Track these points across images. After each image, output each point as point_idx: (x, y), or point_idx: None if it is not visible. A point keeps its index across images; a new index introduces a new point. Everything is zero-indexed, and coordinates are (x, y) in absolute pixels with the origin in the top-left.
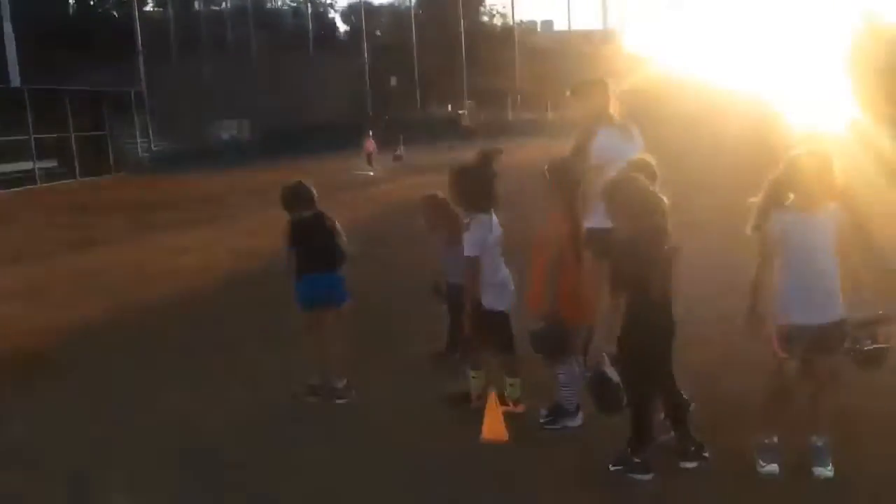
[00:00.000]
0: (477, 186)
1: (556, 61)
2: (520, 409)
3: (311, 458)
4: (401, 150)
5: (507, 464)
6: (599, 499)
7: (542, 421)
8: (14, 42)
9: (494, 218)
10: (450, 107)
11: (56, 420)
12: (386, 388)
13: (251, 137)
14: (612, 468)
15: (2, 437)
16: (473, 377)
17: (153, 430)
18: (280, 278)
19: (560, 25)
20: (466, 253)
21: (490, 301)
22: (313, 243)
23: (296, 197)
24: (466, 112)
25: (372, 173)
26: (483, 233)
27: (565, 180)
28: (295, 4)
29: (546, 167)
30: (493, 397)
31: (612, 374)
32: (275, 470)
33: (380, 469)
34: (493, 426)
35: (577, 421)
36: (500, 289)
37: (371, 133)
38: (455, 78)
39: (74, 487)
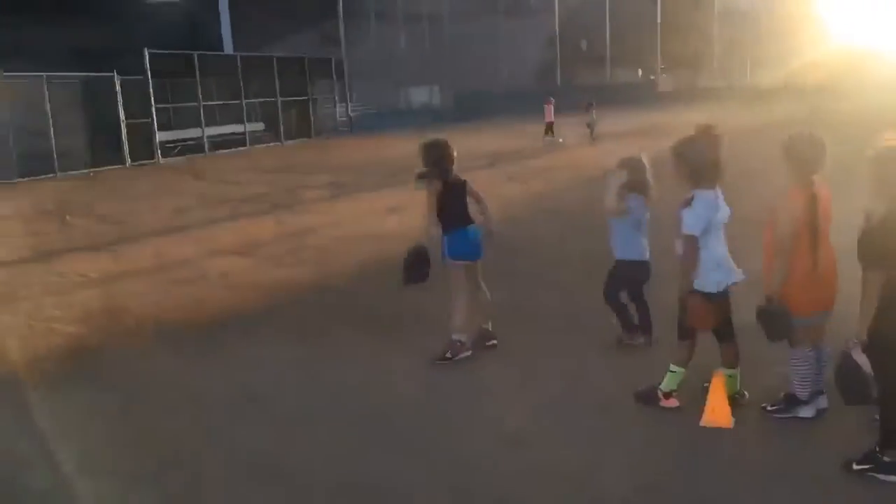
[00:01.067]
0: (702, 160)
1: (753, 24)
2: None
3: (532, 431)
4: (593, 117)
5: (729, 452)
6: (844, 499)
7: (770, 408)
8: (227, 11)
9: (721, 194)
10: (640, 72)
11: (279, 370)
12: (597, 368)
13: (442, 103)
14: (856, 467)
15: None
16: (672, 372)
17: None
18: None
19: None
20: (688, 231)
21: (708, 283)
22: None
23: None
24: (661, 76)
25: (561, 140)
26: (708, 211)
27: (806, 154)
28: None
29: (787, 137)
30: (718, 379)
31: (864, 362)
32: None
33: (594, 447)
34: (717, 410)
35: (810, 412)
36: (721, 270)
37: (552, 101)
38: (647, 41)
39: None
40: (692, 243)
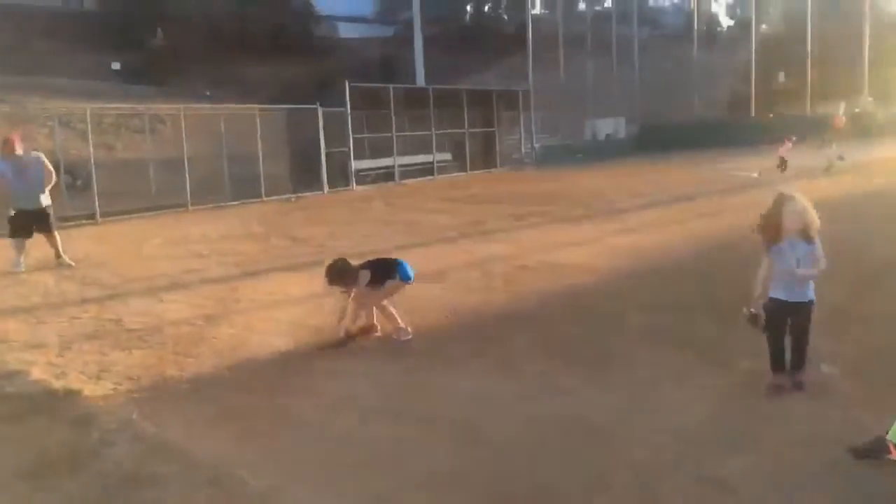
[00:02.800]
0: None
1: None
2: None
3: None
4: (786, 150)
5: None
6: None
7: None
8: (421, 46)
9: None
10: (843, 105)
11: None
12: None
13: (628, 134)
14: None
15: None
16: None
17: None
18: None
19: None
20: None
21: None
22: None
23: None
24: (842, 111)
25: (756, 175)
26: None
27: None
28: (678, 1)
29: None
30: None
31: None
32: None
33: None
34: None
35: None
36: None
37: (792, 138)
38: (854, 73)
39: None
40: None
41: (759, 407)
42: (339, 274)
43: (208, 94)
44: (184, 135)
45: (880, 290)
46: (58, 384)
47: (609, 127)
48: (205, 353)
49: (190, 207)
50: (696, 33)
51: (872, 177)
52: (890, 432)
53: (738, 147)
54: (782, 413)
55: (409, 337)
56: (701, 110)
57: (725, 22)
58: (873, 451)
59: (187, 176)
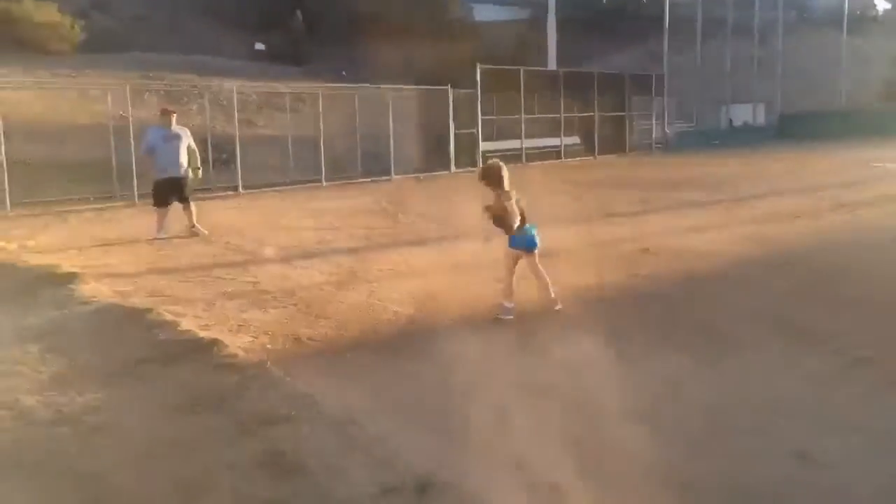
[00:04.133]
0: None
1: None
2: None
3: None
4: None
5: None
6: None
7: None
8: (555, 29)
9: None
10: None
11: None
12: None
13: (766, 122)
14: None
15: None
16: None
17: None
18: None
19: None
20: None
21: None
22: None
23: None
24: None
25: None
26: None
27: None
28: None
29: None
30: None
31: None
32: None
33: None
34: None
35: None
36: None
37: None
38: None
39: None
40: None
41: (866, 394)
42: (489, 172)
43: (344, 73)
44: (321, 113)
45: None
46: (203, 334)
47: (747, 114)
48: (333, 315)
49: (324, 183)
50: (846, 17)
51: None
52: None
53: (888, 137)
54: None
55: (511, 316)
56: (849, 98)
57: (881, 5)
58: None
59: (322, 153)
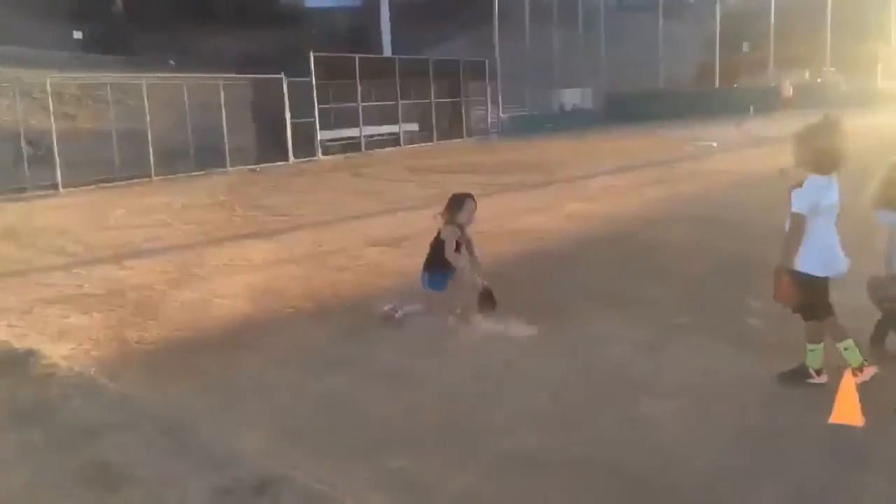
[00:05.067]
0: (821, 148)
1: None
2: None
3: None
4: (745, 121)
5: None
6: None
7: None
8: (388, 16)
9: (834, 183)
10: (807, 74)
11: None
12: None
13: (594, 105)
14: None
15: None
16: (811, 350)
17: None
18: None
19: None
20: (794, 210)
21: (808, 265)
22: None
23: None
24: (789, 82)
25: (714, 144)
26: (817, 194)
27: None
28: None
29: None
30: (847, 376)
31: None
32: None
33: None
34: (846, 408)
35: None
36: (823, 255)
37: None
38: (817, 43)
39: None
40: (796, 221)
41: (689, 360)
42: (450, 200)
43: (172, 63)
44: (146, 105)
45: None
46: (18, 345)
47: (576, 97)
48: (166, 315)
49: (154, 178)
50: (661, 3)
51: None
52: (807, 360)
53: (703, 117)
54: (712, 365)
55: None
56: (667, 80)
57: None
58: (797, 376)
59: (150, 146)
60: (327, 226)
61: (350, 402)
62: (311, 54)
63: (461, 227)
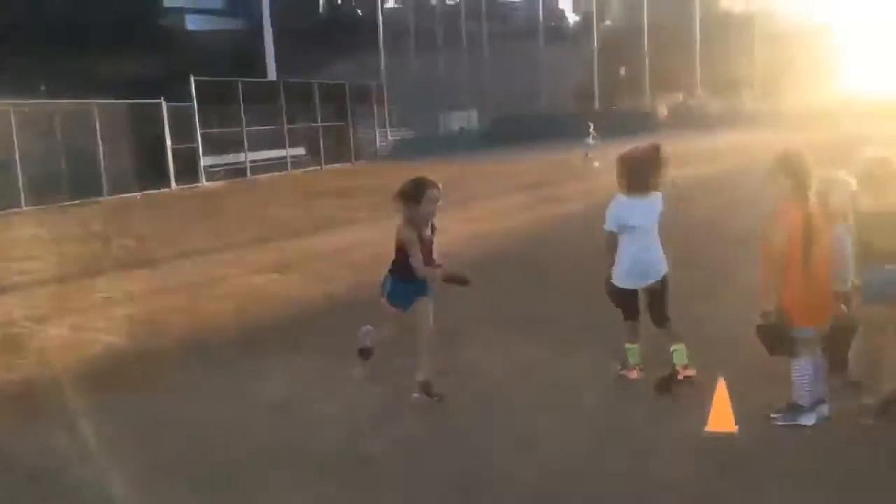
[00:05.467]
0: (635, 172)
1: (798, 47)
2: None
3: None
4: (590, 143)
5: (732, 455)
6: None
7: (773, 416)
8: (272, 39)
9: (641, 202)
10: (681, 96)
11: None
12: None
13: (480, 127)
14: None
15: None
16: (629, 349)
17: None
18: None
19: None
20: (604, 227)
21: (617, 276)
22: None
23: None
24: (662, 105)
25: (597, 164)
26: (619, 214)
27: (799, 171)
28: None
29: (779, 156)
30: (721, 387)
31: None
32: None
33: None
34: (721, 417)
35: (811, 419)
36: (629, 268)
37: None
38: (688, 67)
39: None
40: (606, 238)
41: (578, 375)
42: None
43: (43, 88)
44: (14, 131)
45: None
46: None
47: (462, 120)
48: (34, 353)
49: (24, 207)
50: (542, 28)
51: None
52: (674, 359)
53: (584, 138)
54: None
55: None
56: (550, 103)
57: (572, 18)
58: (670, 378)
59: (20, 175)
60: (210, 254)
61: (224, 439)
62: (192, 78)
63: (418, 227)
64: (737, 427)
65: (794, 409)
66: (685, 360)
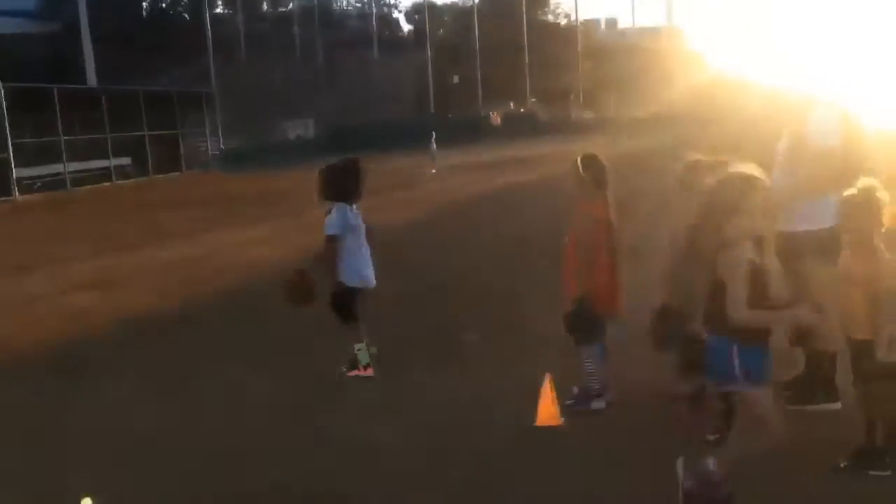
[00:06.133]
0: (341, 182)
1: (621, 59)
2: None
3: (361, 443)
4: (433, 150)
5: (559, 446)
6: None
7: (569, 403)
8: (90, 44)
9: (355, 209)
10: (512, 104)
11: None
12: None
13: (317, 136)
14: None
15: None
16: (359, 349)
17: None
18: None
19: (625, 23)
20: (328, 233)
21: (345, 277)
22: None
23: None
24: (495, 113)
25: (434, 171)
26: (344, 218)
27: (600, 171)
28: (360, 5)
29: (579, 158)
30: (547, 383)
31: None
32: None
33: (434, 453)
34: (547, 411)
35: (601, 404)
36: (352, 268)
37: (432, 135)
38: (518, 76)
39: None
40: (330, 242)
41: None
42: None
43: None
44: None
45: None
46: None
47: (299, 128)
48: None
49: None
50: (375, 37)
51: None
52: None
53: (419, 146)
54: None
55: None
56: (386, 110)
57: (406, 27)
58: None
59: None
60: (24, 272)
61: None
62: (1, 84)
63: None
64: (562, 420)
65: (587, 394)
66: (366, 359)
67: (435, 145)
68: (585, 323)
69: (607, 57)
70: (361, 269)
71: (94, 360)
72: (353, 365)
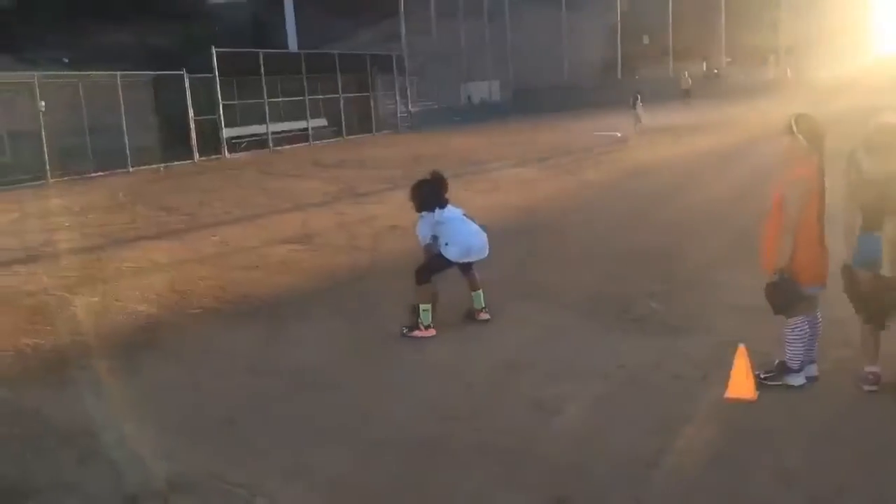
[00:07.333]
0: (424, 194)
1: (826, 14)
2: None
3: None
4: (638, 110)
5: (755, 421)
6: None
7: (762, 376)
8: (292, 11)
9: (443, 212)
10: (705, 65)
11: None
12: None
13: (502, 98)
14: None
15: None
16: (424, 310)
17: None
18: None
19: None
20: (420, 244)
21: (448, 253)
22: None
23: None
24: (687, 74)
25: (619, 134)
26: (427, 226)
27: (814, 132)
28: None
29: (793, 118)
30: (741, 354)
31: None
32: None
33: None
34: (740, 384)
35: (800, 380)
36: (456, 247)
37: (638, 96)
38: (713, 35)
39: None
40: (426, 248)
41: (586, 344)
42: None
43: (66, 60)
44: (39, 103)
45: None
46: None
47: (483, 91)
48: (64, 321)
49: (50, 180)
50: None
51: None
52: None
53: (606, 108)
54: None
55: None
56: (571, 73)
57: None
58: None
59: (45, 146)
60: (234, 224)
61: (249, 403)
62: (214, 50)
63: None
64: (757, 393)
65: (784, 369)
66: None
67: (641, 106)
68: (788, 294)
69: (810, 12)
70: (469, 242)
71: (286, 307)
72: (414, 325)
